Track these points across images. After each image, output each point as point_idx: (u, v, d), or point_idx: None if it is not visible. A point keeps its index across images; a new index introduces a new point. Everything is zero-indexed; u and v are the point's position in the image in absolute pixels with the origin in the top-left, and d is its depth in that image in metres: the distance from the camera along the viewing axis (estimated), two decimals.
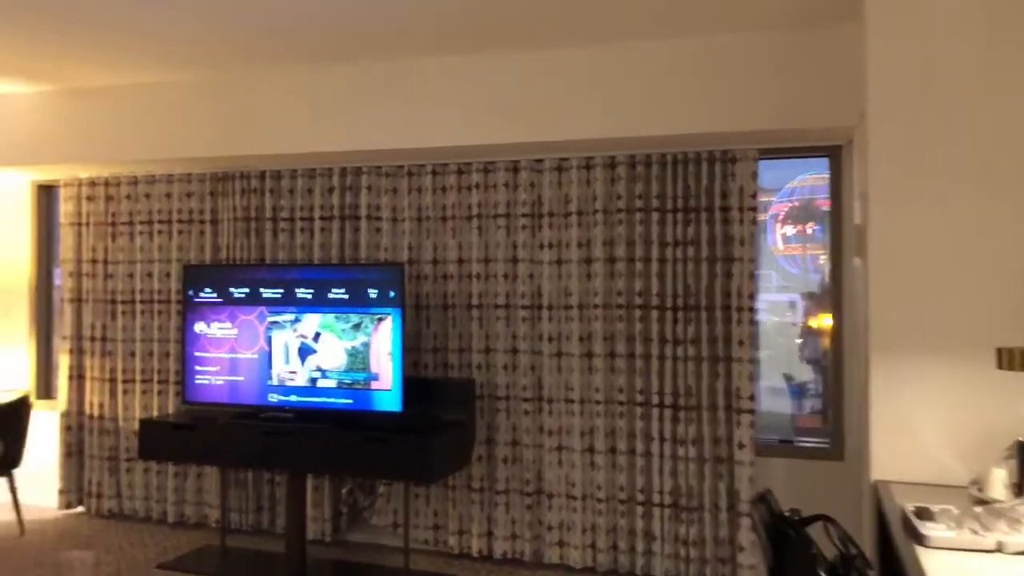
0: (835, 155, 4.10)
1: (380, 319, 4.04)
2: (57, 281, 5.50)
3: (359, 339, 4.08)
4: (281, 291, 4.24)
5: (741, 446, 3.99)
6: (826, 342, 4.20)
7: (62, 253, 5.30)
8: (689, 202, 4.12)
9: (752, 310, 4.02)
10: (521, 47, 4.01)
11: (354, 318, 4.09)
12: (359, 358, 4.08)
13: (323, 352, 4.15)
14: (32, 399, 5.02)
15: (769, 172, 4.40)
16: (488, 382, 4.43)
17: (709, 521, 4.06)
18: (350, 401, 4.10)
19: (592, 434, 4.26)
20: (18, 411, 4.75)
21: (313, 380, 4.16)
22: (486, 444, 4.43)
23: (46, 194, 5.58)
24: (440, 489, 4.53)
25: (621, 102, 3.92)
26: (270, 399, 4.25)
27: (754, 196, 4.02)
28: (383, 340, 4.04)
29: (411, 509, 4.56)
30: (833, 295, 4.10)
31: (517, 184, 4.41)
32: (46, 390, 5.54)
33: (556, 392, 4.33)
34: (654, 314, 4.16)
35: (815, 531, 2.26)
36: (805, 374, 4.58)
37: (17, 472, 4.87)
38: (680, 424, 4.12)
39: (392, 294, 4.03)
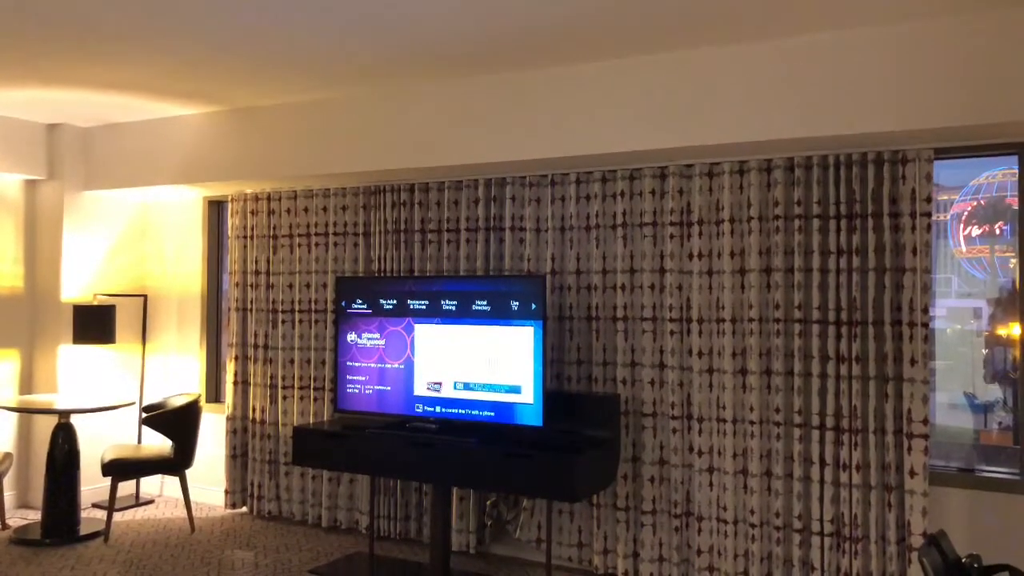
0: None
1: (523, 331, 3.99)
2: (225, 291, 5.83)
3: (502, 351, 4.04)
4: (426, 302, 4.28)
5: (913, 474, 3.63)
6: (1017, 353, 3.75)
7: (229, 265, 5.62)
8: (854, 208, 3.80)
9: (926, 325, 3.65)
10: (667, 48, 3.84)
11: (497, 330, 4.06)
12: (501, 371, 4.04)
13: (467, 364, 4.15)
14: (202, 403, 5.35)
15: (950, 168, 4.01)
16: (634, 398, 4.28)
17: (876, 554, 3.72)
18: (492, 414, 4.07)
19: (746, 455, 4.01)
20: (188, 414, 5.06)
21: (457, 392, 4.16)
22: (632, 462, 4.27)
23: (216, 209, 5.94)
24: (584, 506, 4.41)
25: (776, 102, 3.67)
26: (416, 409, 4.30)
27: (928, 200, 3.65)
28: (525, 353, 3.98)
29: (555, 525, 4.47)
30: (1021, 301, 3.65)
31: (664, 191, 4.23)
32: (215, 394, 5.89)
33: (707, 410, 4.11)
34: (815, 329, 3.87)
35: None
36: (991, 389, 4.12)
37: (189, 472, 5.20)
38: (843, 448, 3.80)
39: (534, 306, 3.96)
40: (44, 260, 5.64)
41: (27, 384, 5.63)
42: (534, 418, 3.95)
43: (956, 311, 4.33)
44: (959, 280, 4.42)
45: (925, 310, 3.65)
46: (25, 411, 5.22)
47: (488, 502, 4.65)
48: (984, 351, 4.20)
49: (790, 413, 3.93)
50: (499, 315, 4.06)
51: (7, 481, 5.33)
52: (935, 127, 3.41)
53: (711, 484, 4.09)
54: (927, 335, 3.65)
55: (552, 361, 4.47)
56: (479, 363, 4.11)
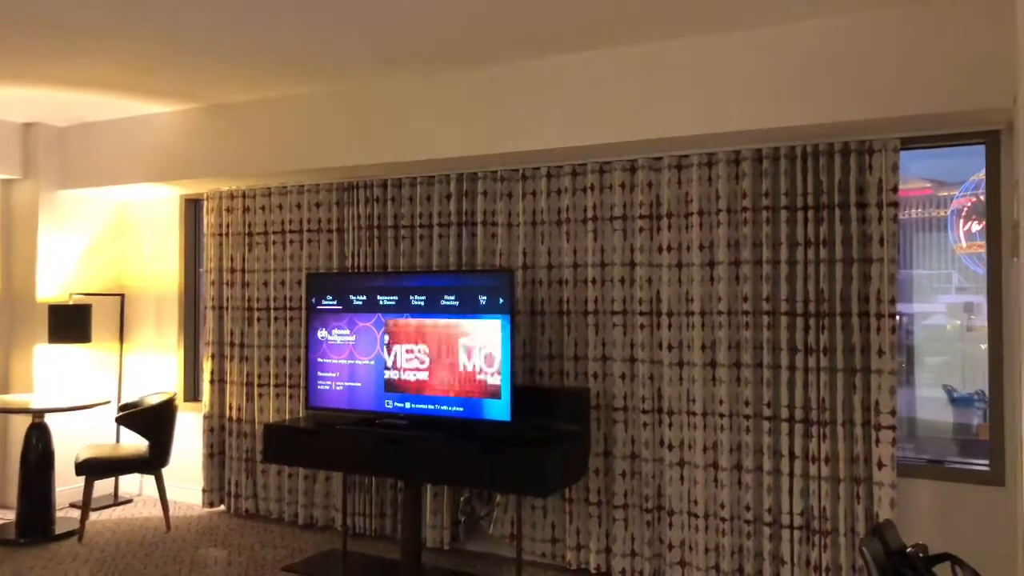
0: (992, 141, 3.63)
1: (491, 326, 3.97)
2: (202, 289, 5.81)
3: (472, 347, 4.03)
4: (396, 298, 4.26)
5: (881, 466, 3.61)
6: None
7: (205, 263, 5.60)
8: (821, 199, 3.78)
9: (893, 316, 3.63)
10: (634, 41, 3.82)
11: (465, 324, 4.04)
12: (470, 366, 4.02)
13: (435, 359, 4.13)
14: (179, 401, 5.33)
15: (949, 162, 3.99)
16: (605, 392, 4.26)
17: (845, 546, 3.70)
18: (461, 409, 4.05)
19: (716, 449, 3.99)
20: (163, 413, 5.04)
21: (425, 387, 4.15)
22: (603, 456, 4.26)
23: (193, 207, 5.92)
24: (557, 501, 4.39)
25: (744, 92, 3.65)
26: (386, 405, 4.28)
27: (895, 190, 3.63)
28: (494, 347, 3.96)
29: (527, 521, 4.45)
30: (990, 297, 3.64)
31: (634, 184, 4.21)
32: (194, 393, 5.87)
33: (677, 404, 4.09)
34: (783, 321, 3.85)
35: (943, 573, 1.95)
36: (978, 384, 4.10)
37: (167, 471, 5.18)
38: (812, 440, 3.78)
39: (501, 300, 3.95)
40: (19, 260, 5.63)
41: (2, 384, 5.61)
42: (503, 413, 3.93)
43: (954, 306, 4.30)
44: (959, 276, 4.39)
45: (892, 301, 3.63)
46: None
47: (461, 498, 4.63)
48: (983, 346, 4.17)
49: (759, 406, 3.91)
50: (468, 310, 4.04)
51: None
52: (901, 115, 3.39)
53: (682, 478, 4.07)
54: (894, 326, 3.63)
55: (524, 356, 4.45)
56: (447, 358, 4.09)
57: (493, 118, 4.22)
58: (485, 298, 3.99)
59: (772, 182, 3.89)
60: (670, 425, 4.09)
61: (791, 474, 3.82)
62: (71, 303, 5.53)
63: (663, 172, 4.13)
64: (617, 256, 4.23)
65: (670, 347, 4.10)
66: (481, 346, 4.00)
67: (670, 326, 4.10)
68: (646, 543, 4.15)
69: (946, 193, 4.19)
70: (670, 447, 4.09)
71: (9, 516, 5.25)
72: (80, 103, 5.05)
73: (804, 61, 3.53)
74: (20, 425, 5.28)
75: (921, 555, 1.99)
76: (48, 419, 5.03)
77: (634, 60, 3.87)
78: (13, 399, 5.26)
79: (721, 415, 3.96)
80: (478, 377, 4.00)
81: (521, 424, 3.98)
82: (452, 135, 4.33)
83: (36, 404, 4.98)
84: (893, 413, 3.61)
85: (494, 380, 3.96)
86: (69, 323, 5.42)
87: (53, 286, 5.61)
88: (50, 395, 5.40)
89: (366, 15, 3.47)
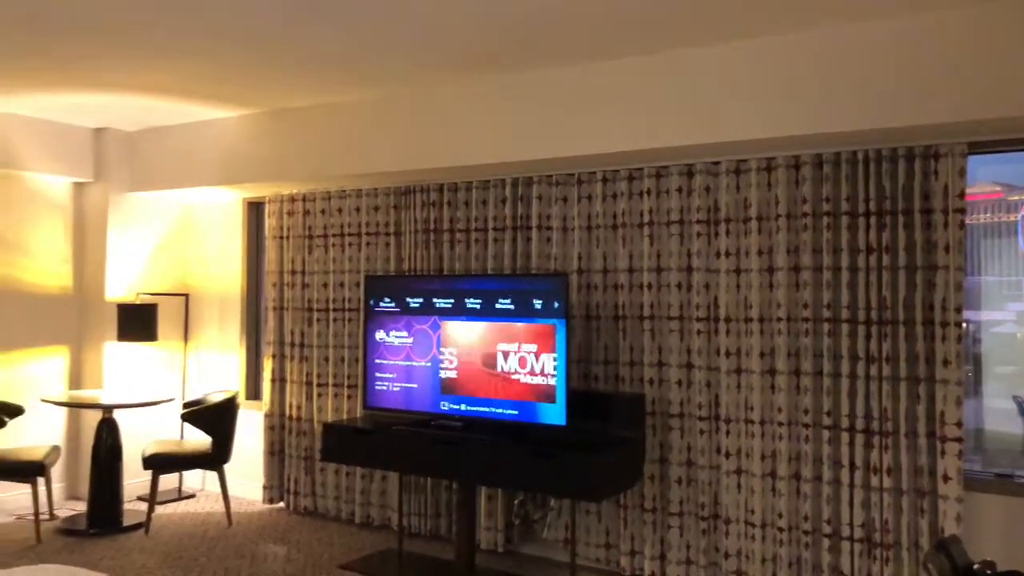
0: None
1: (546, 330, 3.98)
2: (263, 290, 5.94)
3: (525, 350, 4.04)
4: (452, 301, 4.30)
5: (947, 479, 3.52)
6: None
7: (267, 265, 5.73)
8: (884, 204, 3.70)
9: (960, 325, 3.53)
10: (693, 44, 3.78)
11: (520, 328, 4.06)
12: (525, 369, 4.04)
13: (490, 362, 4.15)
14: (241, 400, 5.46)
15: (1019, 166, 3.87)
16: (660, 398, 4.23)
17: (908, 561, 3.61)
18: (516, 412, 4.07)
19: (774, 457, 3.94)
20: (226, 410, 5.17)
21: (480, 390, 4.18)
22: (659, 463, 4.23)
23: (255, 210, 6.07)
24: (611, 507, 4.38)
25: (804, 96, 3.58)
26: (441, 407, 4.32)
27: (962, 196, 3.53)
28: (548, 351, 3.97)
29: (581, 526, 4.45)
30: None
31: (691, 189, 4.18)
32: (255, 392, 6.01)
33: (734, 411, 4.05)
34: (844, 328, 3.77)
35: None
36: None
37: (229, 467, 5.32)
38: (873, 450, 3.70)
39: (556, 304, 3.95)
40: (90, 260, 5.83)
41: (76, 380, 5.82)
42: (557, 417, 3.94)
43: None
44: None
45: (959, 309, 3.53)
46: (71, 406, 5.41)
47: (516, 501, 4.65)
48: None
49: (819, 415, 3.84)
50: (522, 313, 4.06)
51: (56, 473, 5.52)
52: (968, 119, 3.30)
53: (739, 486, 4.03)
54: (960, 335, 3.53)
55: (579, 360, 4.45)
56: (503, 362, 4.12)
57: (548, 122, 4.22)
58: (540, 302, 4.00)
59: (833, 187, 3.82)
60: (727, 433, 4.05)
61: (851, 485, 3.74)
62: (138, 302, 5.71)
63: (721, 177, 4.09)
64: (674, 261, 4.20)
65: (728, 354, 4.06)
66: (536, 350, 4.01)
67: (728, 332, 4.06)
68: (701, 551, 4.11)
69: (1017, 197, 4.06)
70: (727, 455, 4.05)
71: (81, 507, 5.45)
72: (148, 108, 5.21)
73: (866, 64, 3.45)
74: (91, 420, 5.48)
75: (989, 572, 1.94)
76: (116, 414, 5.21)
77: (690, 63, 3.84)
78: (84, 394, 5.46)
79: (780, 423, 3.91)
80: (533, 381, 4.02)
81: (576, 428, 3.98)
82: (508, 140, 4.34)
83: (106, 400, 5.17)
84: (959, 424, 3.51)
85: (549, 384, 3.97)
86: (136, 322, 5.60)
87: (121, 286, 5.81)
88: (118, 391, 5.59)
89: (423, 22, 3.51)
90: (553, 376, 3.95)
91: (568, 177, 4.53)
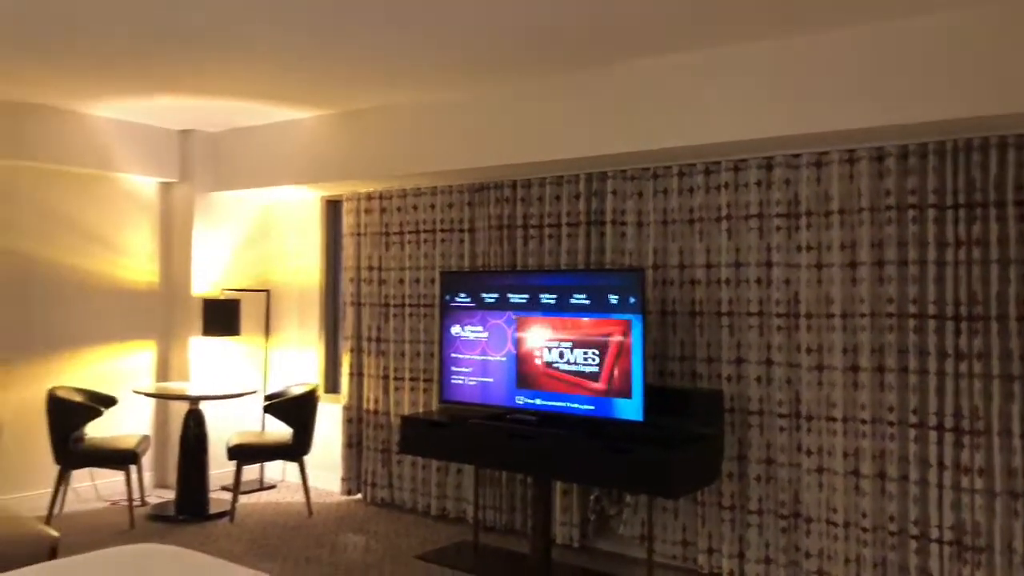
0: None
1: (622, 325, 3.97)
2: (341, 286, 6.08)
3: (602, 346, 4.04)
4: (527, 296, 4.32)
5: None
6: None
7: (344, 261, 5.86)
8: (974, 196, 3.57)
9: None
10: (771, 35, 3.71)
11: (595, 323, 4.06)
12: (601, 365, 4.04)
13: (567, 357, 4.17)
14: (320, 393, 5.60)
15: None
16: (739, 395, 4.18)
17: (1001, 565, 3.49)
18: (592, 407, 4.07)
19: (857, 456, 3.85)
20: (306, 403, 5.31)
21: (558, 385, 4.19)
22: (737, 460, 4.18)
23: (333, 208, 6.20)
24: (688, 504, 4.35)
25: (889, 86, 3.48)
26: (517, 401, 4.35)
27: None
28: (624, 347, 3.96)
29: (658, 522, 4.43)
30: None
31: (771, 182, 4.11)
32: (333, 385, 6.15)
33: (815, 408, 3.97)
34: (931, 324, 3.66)
35: None
36: None
37: (308, 459, 5.46)
38: (964, 450, 3.58)
39: (632, 300, 3.94)
40: (177, 257, 6.05)
41: (163, 372, 6.05)
42: (634, 413, 3.93)
43: None
44: None
45: None
46: (160, 397, 5.62)
47: (591, 497, 4.65)
48: None
49: (905, 412, 3.74)
50: (598, 308, 4.06)
51: (146, 462, 5.75)
52: None
53: (820, 485, 3.95)
54: None
55: (655, 357, 4.43)
56: (578, 357, 4.13)
57: (622, 117, 4.20)
58: (616, 297, 3.99)
59: (919, 179, 3.71)
60: (808, 430, 3.97)
61: (940, 485, 3.63)
62: (222, 298, 5.90)
63: (801, 170, 4.01)
64: (752, 256, 4.14)
65: (808, 350, 3.98)
66: (612, 345, 4.01)
67: (809, 328, 3.98)
68: (781, 550, 4.05)
69: None
70: (808, 453, 3.97)
71: (168, 495, 5.67)
72: (231, 110, 5.38)
73: (955, 51, 3.33)
74: (178, 411, 5.69)
75: None
76: (201, 406, 5.40)
77: (769, 55, 3.77)
78: (172, 386, 5.68)
79: (863, 421, 3.82)
80: (609, 376, 4.01)
81: (653, 425, 3.97)
82: (581, 135, 4.34)
83: (192, 392, 5.36)
84: None
85: (625, 379, 3.96)
86: (220, 317, 5.79)
87: (206, 282, 6.01)
88: (203, 384, 5.79)
89: (493, 20, 3.53)
90: (630, 372, 3.94)
91: (643, 172, 4.51)
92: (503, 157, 4.66)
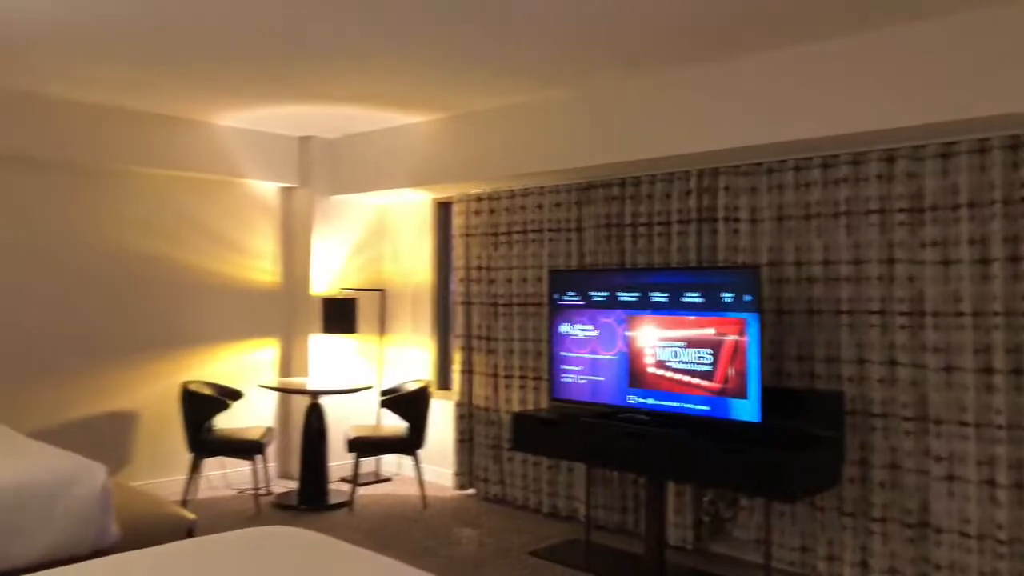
0: None
1: (737, 324, 3.89)
2: (452, 286, 6.21)
3: (716, 345, 3.97)
4: (637, 294, 4.30)
5: None
6: None
7: (454, 261, 5.97)
8: None
9: None
10: (893, 22, 3.55)
11: (708, 322, 4.00)
12: (715, 364, 3.97)
13: (680, 357, 4.12)
14: (432, 389, 5.73)
15: None
16: (861, 396, 4.02)
17: None
18: (707, 408, 4.01)
19: (992, 464, 3.64)
20: (420, 398, 5.46)
21: (670, 385, 4.15)
22: (859, 465, 4.03)
23: (443, 209, 6.33)
24: (806, 509, 4.22)
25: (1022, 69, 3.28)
26: (628, 400, 4.34)
27: None
28: (739, 346, 3.88)
29: (775, 527, 4.32)
30: None
31: (892, 175, 3.93)
32: (445, 382, 6.29)
33: (945, 412, 3.77)
34: None
35: None
36: None
37: (421, 454, 5.60)
38: None
39: (748, 298, 3.85)
40: (297, 258, 6.32)
41: (286, 368, 6.34)
42: (751, 414, 3.84)
43: None
44: None
45: None
46: (283, 391, 5.89)
47: (705, 499, 4.59)
48: None
49: None
50: (711, 307, 3.99)
51: (270, 453, 6.04)
52: None
53: (951, 493, 3.76)
54: None
55: (771, 356, 4.32)
56: (692, 356, 4.07)
57: (732, 111, 4.11)
58: (730, 295, 3.92)
59: None
60: (938, 435, 3.79)
61: None
62: (340, 297, 6.12)
63: (926, 162, 3.82)
64: (874, 252, 3.98)
65: (936, 350, 3.79)
66: (726, 344, 3.93)
67: (935, 327, 3.79)
68: (908, 561, 3.88)
69: None
70: (937, 459, 3.79)
71: (290, 485, 5.94)
72: (347, 117, 5.57)
73: None
74: (299, 405, 5.95)
75: None
76: (321, 400, 5.62)
77: (891, 43, 3.61)
78: (294, 381, 5.94)
79: (999, 427, 3.61)
80: (724, 375, 3.94)
81: (769, 426, 3.87)
82: (690, 131, 4.27)
83: (313, 386, 5.59)
84: None
85: (741, 379, 3.88)
86: (338, 315, 6.01)
87: (325, 281, 6.26)
88: (322, 379, 6.03)
89: (596, 18, 3.52)
90: (745, 371, 3.86)
91: (757, 167, 4.40)
92: (612, 155, 4.64)
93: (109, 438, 5.42)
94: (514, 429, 4.63)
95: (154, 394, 5.63)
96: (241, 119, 5.68)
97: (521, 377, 5.47)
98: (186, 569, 2.35)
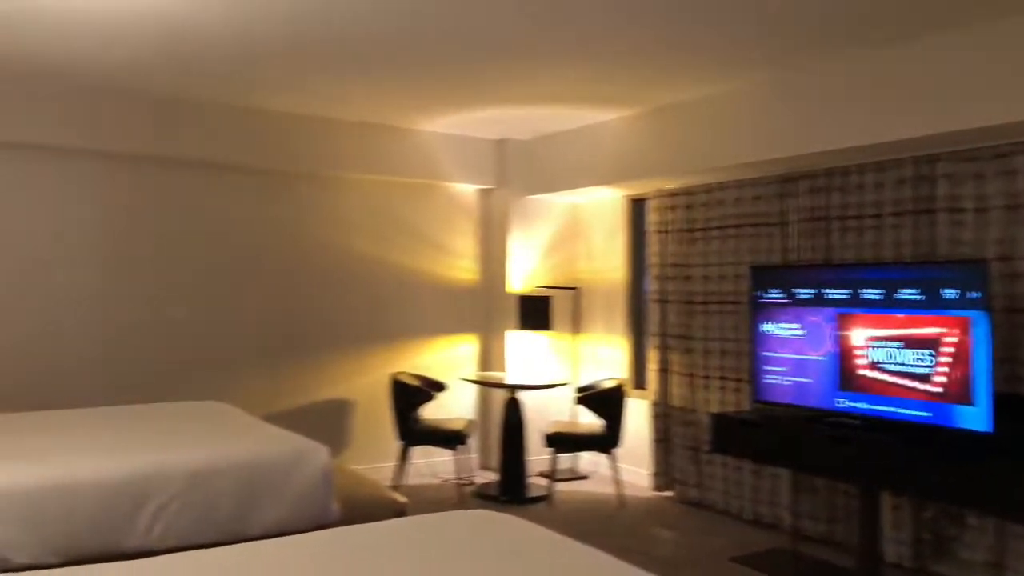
0: None
1: (961, 323, 3.57)
2: (646, 283, 6.15)
3: (937, 346, 3.67)
4: (847, 292, 4.05)
5: None
6: None
7: (649, 258, 5.92)
8: None
9: None
10: None
11: (929, 321, 3.70)
12: (936, 366, 3.67)
13: (896, 358, 3.85)
14: (627, 388, 5.72)
15: None
16: None
17: None
18: (927, 414, 3.71)
19: None
20: (615, 396, 5.46)
21: (885, 388, 3.89)
22: None
23: (636, 206, 6.29)
24: None
25: None
26: (838, 404, 4.10)
27: None
28: (964, 348, 3.56)
29: (1010, 549, 3.91)
30: None
31: None
32: (639, 381, 6.25)
33: None
34: None
35: None
36: None
37: (617, 453, 5.61)
38: None
39: (974, 295, 3.52)
40: (494, 257, 6.53)
41: (484, 363, 6.57)
42: (979, 422, 3.51)
43: None
44: None
45: None
46: (484, 384, 6.11)
47: (926, 515, 4.24)
48: None
49: None
50: (932, 305, 3.69)
51: (471, 444, 6.28)
52: None
53: None
54: None
55: (1001, 360, 3.92)
56: (911, 358, 3.79)
57: (953, 89, 3.75)
58: (954, 292, 3.60)
59: None
60: None
61: None
62: (535, 295, 6.25)
63: None
64: None
65: None
66: (949, 345, 3.62)
67: None
68: None
69: None
70: None
71: (490, 477, 6.15)
72: (540, 117, 5.68)
73: None
74: (497, 399, 6.15)
75: None
76: (518, 394, 5.77)
77: None
78: (492, 375, 6.14)
79: None
80: (946, 379, 3.63)
81: (1001, 436, 3.52)
82: (903, 114, 3.96)
83: (511, 381, 5.75)
84: None
85: (966, 383, 3.56)
86: (533, 312, 6.14)
87: (520, 280, 6.42)
88: (519, 374, 6.18)
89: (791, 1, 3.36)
90: (971, 375, 3.54)
91: (982, 151, 4.01)
92: (814, 144, 4.40)
93: (329, 424, 5.88)
94: (714, 431, 4.52)
95: (367, 384, 6.03)
96: (443, 124, 5.95)
97: (721, 378, 5.32)
98: (405, 545, 2.50)
